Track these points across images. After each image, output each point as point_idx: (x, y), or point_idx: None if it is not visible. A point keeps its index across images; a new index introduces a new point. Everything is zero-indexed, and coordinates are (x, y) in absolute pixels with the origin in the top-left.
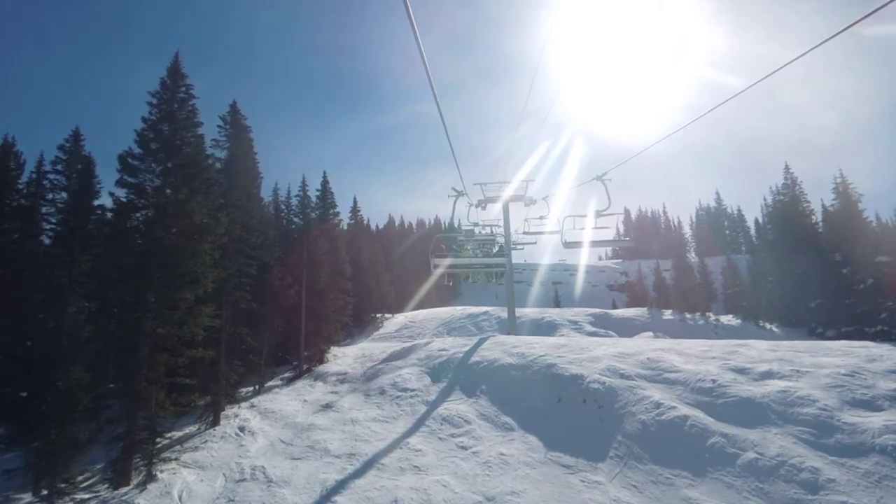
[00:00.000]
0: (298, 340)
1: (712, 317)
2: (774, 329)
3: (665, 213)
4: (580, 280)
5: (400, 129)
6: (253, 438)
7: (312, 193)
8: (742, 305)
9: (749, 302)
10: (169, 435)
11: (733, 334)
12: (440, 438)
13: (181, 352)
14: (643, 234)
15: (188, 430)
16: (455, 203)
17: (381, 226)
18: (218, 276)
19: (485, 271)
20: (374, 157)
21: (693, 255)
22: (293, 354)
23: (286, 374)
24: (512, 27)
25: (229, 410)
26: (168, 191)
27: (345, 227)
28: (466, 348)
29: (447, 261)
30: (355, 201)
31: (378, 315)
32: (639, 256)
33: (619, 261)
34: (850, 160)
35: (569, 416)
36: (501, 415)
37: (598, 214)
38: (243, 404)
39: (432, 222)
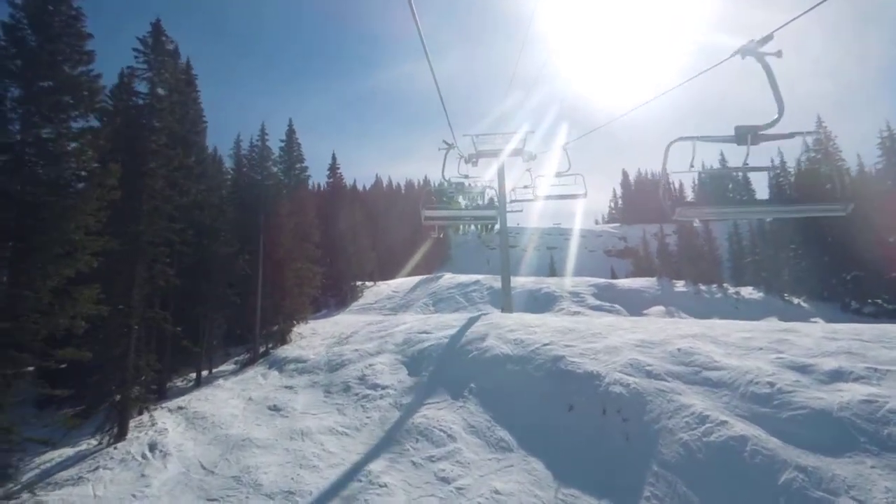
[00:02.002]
0: (254, 319)
1: (731, 289)
2: (803, 304)
3: (666, 174)
4: (575, 245)
5: (388, 90)
6: (163, 463)
7: (276, 146)
8: (762, 276)
9: (769, 272)
10: (38, 462)
11: (757, 310)
12: (414, 463)
13: (48, 353)
14: (642, 197)
15: (85, 446)
16: (445, 156)
17: (367, 187)
18: (108, 246)
19: (476, 223)
20: (362, 119)
21: (695, 219)
22: (250, 334)
23: (242, 357)
24: None
25: (147, 415)
26: (42, 129)
27: (322, 187)
28: (453, 331)
29: (437, 212)
30: (334, 158)
31: (359, 284)
32: (637, 220)
33: (617, 225)
34: (845, 124)
35: (584, 432)
36: (495, 427)
37: (560, 174)
38: (171, 404)
39: (421, 182)
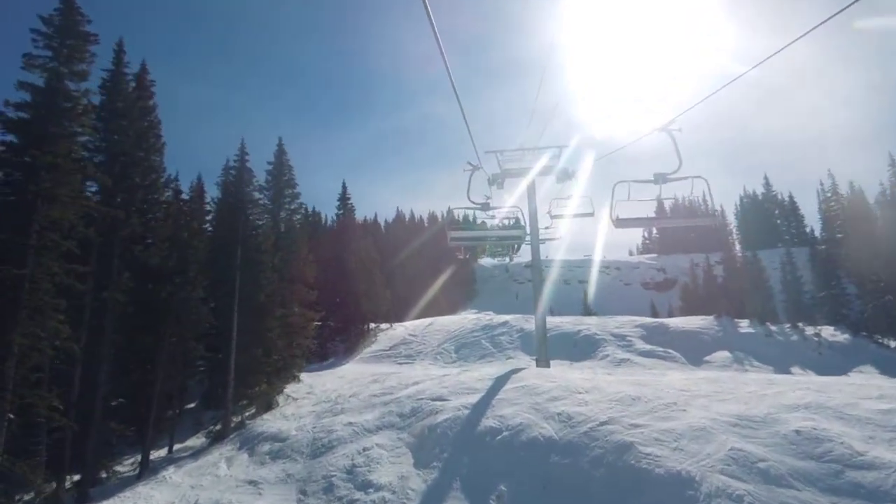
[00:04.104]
0: (227, 381)
1: (810, 330)
2: None
3: (706, 200)
4: (595, 275)
5: (408, 130)
6: None
7: (263, 167)
8: (842, 314)
9: (846, 308)
10: None
11: (845, 356)
12: None
13: None
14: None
15: None
16: (470, 178)
17: (389, 220)
18: None
19: (503, 244)
20: (385, 157)
21: (738, 247)
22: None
23: (213, 428)
24: (523, 25)
25: None
26: None
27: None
28: (475, 397)
29: (463, 233)
30: (344, 188)
31: (372, 326)
32: (676, 250)
33: (654, 255)
34: (865, 156)
35: None
36: None
37: (665, 179)
38: None
39: (445, 214)
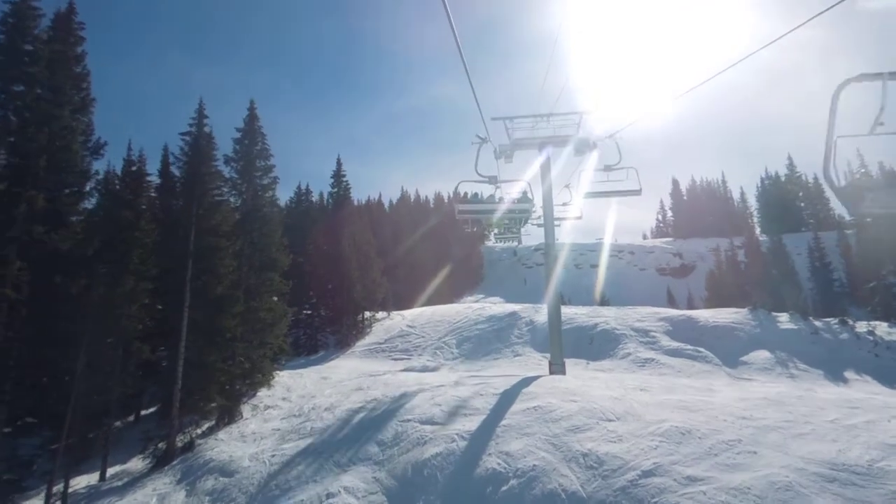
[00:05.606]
0: (173, 391)
1: (861, 326)
2: None
3: (724, 182)
4: (605, 260)
5: (416, 112)
6: None
7: (228, 135)
8: (893, 307)
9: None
10: None
11: None
12: None
13: None
14: (698, 208)
15: None
16: (478, 151)
17: (394, 200)
18: None
19: (510, 217)
20: (392, 141)
21: (758, 231)
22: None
23: (158, 446)
24: (535, 6)
25: None
26: None
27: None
28: (475, 422)
29: (470, 206)
30: (339, 164)
31: (367, 316)
32: (693, 234)
33: (670, 240)
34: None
35: None
36: None
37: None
38: None
39: (451, 195)
